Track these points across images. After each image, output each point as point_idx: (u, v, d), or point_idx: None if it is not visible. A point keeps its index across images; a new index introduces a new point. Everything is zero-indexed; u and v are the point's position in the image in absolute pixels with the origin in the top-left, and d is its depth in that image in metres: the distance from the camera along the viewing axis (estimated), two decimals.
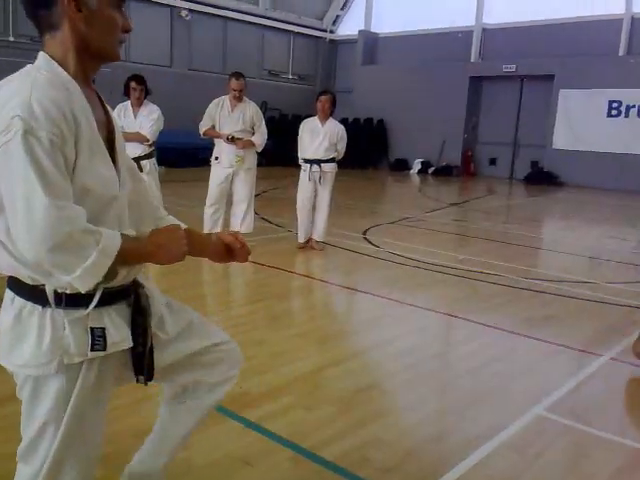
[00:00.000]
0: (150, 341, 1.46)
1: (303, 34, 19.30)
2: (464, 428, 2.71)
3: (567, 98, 15.19)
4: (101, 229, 1.24)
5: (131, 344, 1.41)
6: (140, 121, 5.57)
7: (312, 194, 6.25)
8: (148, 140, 5.56)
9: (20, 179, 1.16)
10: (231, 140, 5.96)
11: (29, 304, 1.32)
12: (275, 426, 2.57)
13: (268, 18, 17.98)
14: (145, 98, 5.61)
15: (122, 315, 1.41)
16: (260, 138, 6.07)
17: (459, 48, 17.21)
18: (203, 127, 6.05)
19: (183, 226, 1.52)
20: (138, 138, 5.56)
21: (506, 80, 16.46)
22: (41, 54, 1.32)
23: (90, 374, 1.36)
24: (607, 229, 8.69)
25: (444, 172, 17.05)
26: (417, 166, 17.73)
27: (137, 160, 5.61)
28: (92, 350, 1.32)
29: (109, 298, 1.36)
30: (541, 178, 15.52)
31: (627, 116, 14.46)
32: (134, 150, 5.60)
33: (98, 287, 1.30)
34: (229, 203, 6.30)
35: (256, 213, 6.49)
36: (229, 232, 1.60)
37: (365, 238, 7.07)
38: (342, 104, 19.33)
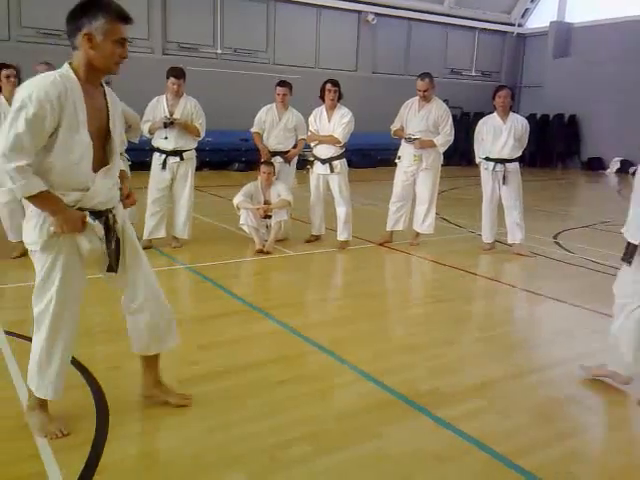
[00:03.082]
0: (114, 245, 2.30)
1: (488, 30, 18.60)
2: None
3: None
4: (25, 178, 2.01)
5: (99, 243, 2.27)
6: (333, 124, 5.85)
7: (497, 194, 6.03)
8: (340, 142, 5.83)
9: (6, 123, 2.03)
10: (408, 139, 5.99)
11: None
12: (468, 427, 2.55)
13: (453, 16, 17.66)
14: (338, 102, 5.87)
15: (97, 225, 2.24)
16: (442, 139, 5.97)
17: None
18: (393, 127, 6.17)
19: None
20: (331, 141, 5.86)
21: None
22: (66, 63, 2.14)
23: (62, 253, 2.22)
24: None
25: None
26: (615, 165, 16.09)
27: (329, 160, 5.93)
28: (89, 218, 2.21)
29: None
30: None
31: None
32: (327, 151, 5.93)
33: (75, 205, 2.17)
34: (415, 202, 6.32)
35: (436, 213, 6.43)
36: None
37: (556, 242, 6.62)
38: (530, 100, 18.53)
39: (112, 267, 2.33)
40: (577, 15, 17.52)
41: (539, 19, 18.71)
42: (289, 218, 6.12)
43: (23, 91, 2.03)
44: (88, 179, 2.18)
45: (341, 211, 6.03)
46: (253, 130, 6.31)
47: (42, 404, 2.41)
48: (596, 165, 16.58)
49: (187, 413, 2.64)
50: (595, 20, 16.91)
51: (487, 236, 6.18)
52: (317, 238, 6.31)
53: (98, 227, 2.24)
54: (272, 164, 6.05)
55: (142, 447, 2.36)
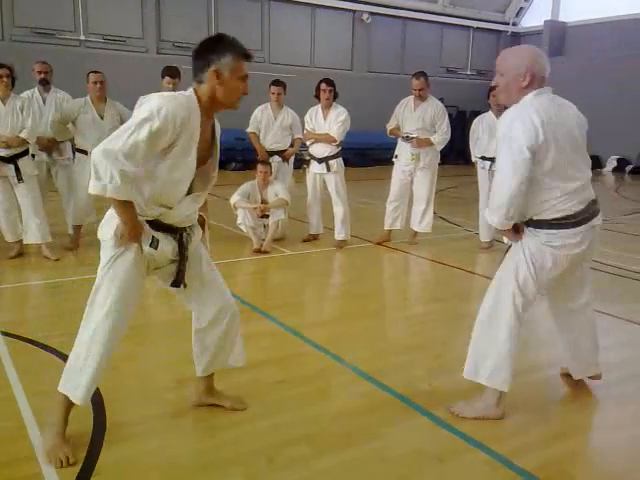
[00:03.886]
0: (184, 261, 2.37)
1: (483, 29, 18.62)
2: None
3: None
4: (123, 183, 2.03)
5: (169, 256, 2.33)
6: (329, 123, 5.84)
7: None
8: (336, 141, 5.82)
9: (127, 126, 2.07)
10: (406, 138, 5.99)
11: None
12: (466, 427, 2.54)
13: (447, 15, 17.66)
14: (334, 101, 5.86)
15: (169, 240, 2.32)
16: (439, 137, 5.97)
17: None
18: (389, 126, 6.15)
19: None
20: (327, 139, 5.85)
21: None
22: (190, 89, 2.21)
23: (138, 255, 2.25)
24: None
25: None
26: (612, 164, 16.11)
27: (325, 159, 5.92)
28: (149, 246, 2.26)
29: (163, 228, 2.29)
30: None
31: None
32: (323, 150, 5.92)
33: (156, 219, 2.25)
34: (412, 201, 6.31)
35: (434, 212, 6.41)
36: None
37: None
38: None
39: (177, 282, 2.40)
40: (571, 14, 17.56)
41: (533, 18, 18.76)
42: (286, 217, 6.10)
43: (152, 103, 2.08)
44: (178, 200, 2.27)
45: (338, 210, 6.02)
46: (249, 130, 6.29)
47: (63, 420, 2.30)
48: (592, 164, 16.25)
49: (184, 414, 2.62)
50: (589, 19, 16.95)
51: (485, 235, 6.18)
52: (315, 237, 6.30)
53: (165, 243, 2.31)
54: (269, 163, 6.03)
55: (139, 449, 2.34)
